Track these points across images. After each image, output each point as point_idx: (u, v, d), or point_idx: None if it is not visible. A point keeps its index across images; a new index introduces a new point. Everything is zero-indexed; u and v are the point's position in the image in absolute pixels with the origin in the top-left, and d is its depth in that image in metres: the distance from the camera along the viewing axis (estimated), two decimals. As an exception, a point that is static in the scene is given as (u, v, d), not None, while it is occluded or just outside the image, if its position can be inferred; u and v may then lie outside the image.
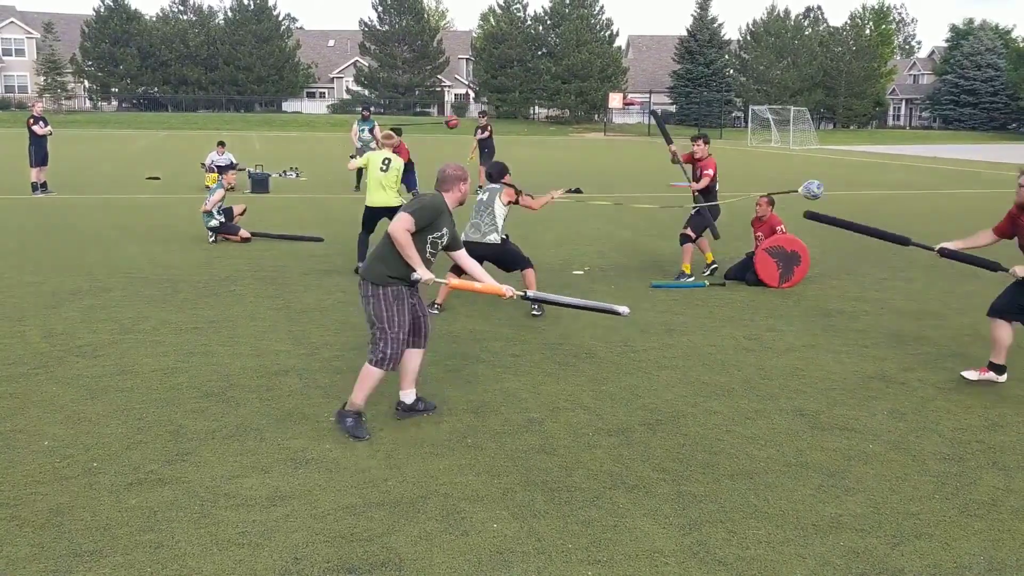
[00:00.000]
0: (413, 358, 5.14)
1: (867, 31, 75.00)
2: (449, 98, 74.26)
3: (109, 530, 3.76)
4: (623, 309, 5.11)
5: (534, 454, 4.68)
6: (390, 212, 9.19)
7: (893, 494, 4.27)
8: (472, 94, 74.54)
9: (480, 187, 8.47)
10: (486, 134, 19.55)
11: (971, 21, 79.27)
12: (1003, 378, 6.01)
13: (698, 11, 71.02)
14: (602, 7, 69.51)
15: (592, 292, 8.87)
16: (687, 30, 71.44)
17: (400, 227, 4.72)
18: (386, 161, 9.23)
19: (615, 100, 64.72)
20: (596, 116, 68.99)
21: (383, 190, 9.28)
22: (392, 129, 10.49)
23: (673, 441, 4.91)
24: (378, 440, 4.83)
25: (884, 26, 79.96)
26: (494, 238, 7.60)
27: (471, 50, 72.96)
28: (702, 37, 70.37)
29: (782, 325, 7.64)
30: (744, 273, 9.44)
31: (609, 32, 69.95)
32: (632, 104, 70.66)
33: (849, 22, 74.86)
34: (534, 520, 3.92)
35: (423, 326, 5.10)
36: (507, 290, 4.99)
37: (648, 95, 67.50)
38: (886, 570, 3.55)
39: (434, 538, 3.75)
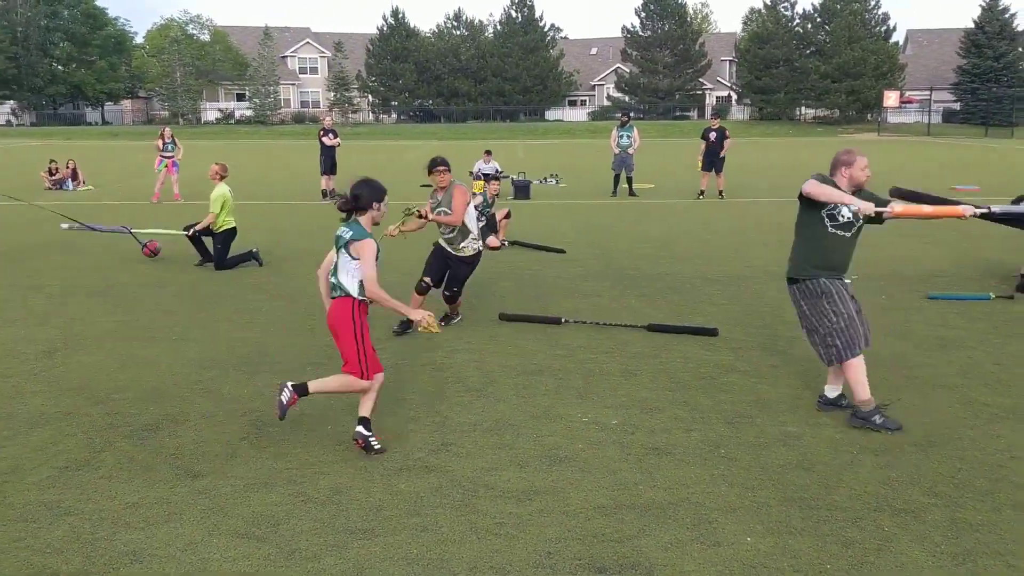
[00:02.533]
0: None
1: None
2: (710, 101, 73.03)
3: (380, 511, 4.07)
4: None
5: (791, 469, 4.52)
6: None
7: None
8: (734, 96, 72.83)
9: None
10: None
11: None
12: None
13: (987, 1, 64.98)
14: (877, 2, 65.48)
15: (861, 301, 8.36)
16: (974, 22, 65.50)
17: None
18: None
19: (891, 98, 60.67)
20: (869, 116, 65.05)
21: None
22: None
23: (948, 465, 4.55)
24: (629, 443, 4.87)
25: None
26: None
27: (734, 51, 71.31)
28: (991, 29, 64.27)
29: (1082, 344, 6.85)
30: (1038, 286, 8.54)
31: (885, 27, 65.77)
32: (910, 102, 66.03)
33: None
34: (790, 537, 3.80)
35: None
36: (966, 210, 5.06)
37: (929, 92, 62.70)
38: None
39: (685, 546, 3.73)
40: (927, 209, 5.00)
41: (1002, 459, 4.62)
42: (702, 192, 18.25)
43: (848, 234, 5.09)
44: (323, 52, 76.22)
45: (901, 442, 4.85)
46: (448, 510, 4.07)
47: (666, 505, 4.11)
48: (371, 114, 74.55)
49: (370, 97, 72.98)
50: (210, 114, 71.00)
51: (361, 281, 4.68)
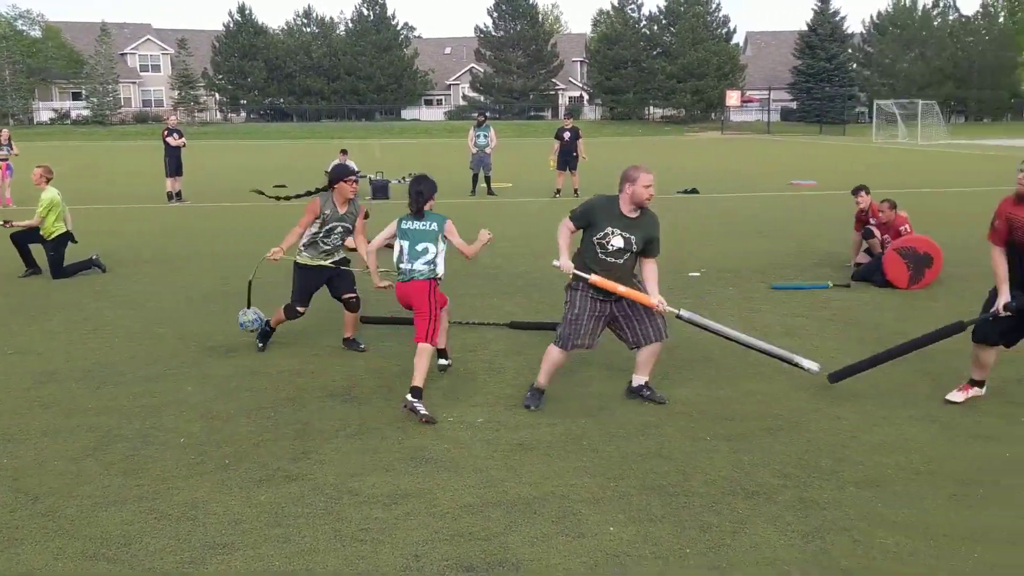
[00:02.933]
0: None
1: (1000, 19, 71.28)
2: (563, 101, 74.40)
3: (240, 524, 3.93)
4: (811, 365, 5.34)
5: (651, 458, 4.64)
6: None
7: (1034, 506, 4.05)
8: (586, 96, 74.48)
9: None
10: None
11: (1118, 3, 74.26)
12: (984, 391, 5.50)
13: (819, 5, 68.95)
14: (718, 4, 68.43)
15: (710, 294, 8.73)
16: (807, 24, 69.48)
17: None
18: None
19: (733, 98, 63.53)
20: (713, 115, 67.84)
21: None
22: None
23: (795, 447, 4.78)
24: (495, 441, 4.88)
25: (1020, 13, 75.79)
26: None
27: (585, 52, 72.91)
28: (823, 31, 68.28)
29: (911, 328, 7.33)
30: (872, 275, 9.11)
31: (726, 29, 68.80)
32: (751, 101, 69.22)
33: (981, 11, 71.32)
34: (651, 524, 3.90)
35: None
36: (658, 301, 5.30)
37: (767, 92, 65.94)
38: (1026, 586, 3.38)
39: (551, 539, 3.76)
40: (621, 289, 5.19)
41: (845, 440, 4.89)
42: (558, 191, 18.56)
43: (621, 260, 5.26)
44: (166, 49, 73.19)
45: (752, 427, 5.06)
46: (311, 519, 3.97)
47: (532, 500, 4.14)
48: (219, 113, 72.11)
49: (217, 96, 70.58)
50: (43, 114, 67.01)
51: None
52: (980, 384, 5.46)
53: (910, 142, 45.25)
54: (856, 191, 9.91)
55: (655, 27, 68.92)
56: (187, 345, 6.94)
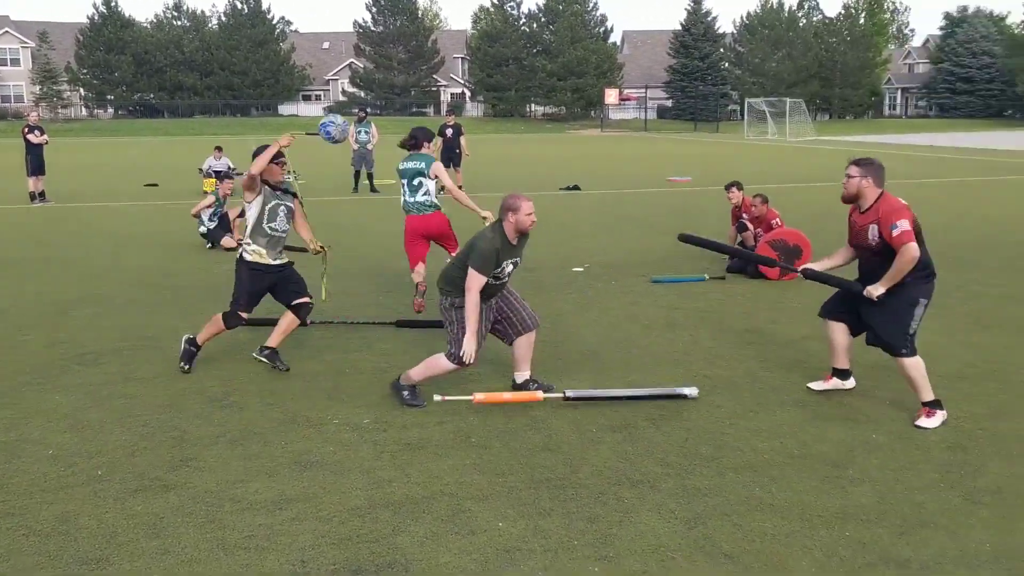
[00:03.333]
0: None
1: (861, 21, 75.01)
2: (445, 98, 74.28)
3: (115, 537, 3.76)
4: (689, 390, 5.47)
5: (538, 452, 4.68)
6: None
7: (898, 484, 4.27)
8: (468, 93, 74.55)
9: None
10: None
11: (965, 9, 79.24)
12: (850, 383, 5.61)
13: (691, 5, 70.97)
14: (595, 3, 69.50)
15: (592, 288, 8.87)
16: (681, 24, 71.40)
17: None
18: None
19: (611, 96, 64.73)
20: (593, 112, 68.99)
21: None
22: None
23: (677, 436, 4.91)
24: (382, 441, 4.83)
25: (878, 15, 79.95)
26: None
27: (466, 49, 72.96)
28: (696, 31, 70.32)
29: (783, 317, 7.65)
30: (745, 266, 9.44)
31: (603, 28, 70.01)
32: (629, 100, 70.67)
33: (843, 12, 74.89)
34: (540, 518, 3.93)
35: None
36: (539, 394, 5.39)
37: (644, 90, 67.47)
38: (892, 560, 3.56)
39: (440, 538, 3.75)
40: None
41: (723, 427, 5.05)
42: (443, 188, 18.48)
43: (505, 279, 5.39)
44: (25, 42, 69.32)
45: (636, 418, 5.17)
46: (191, 528, 3.84)
47: (421, 499, 4.11)
48: (84, 109, 68.86)
49: (82, 91, 67.36)
50: None
51: None
52: (844, 375, 5.64)
53: (779, 139, 47.13)
54: (728, 187, 10.25)
55: (535, 25, 69.54)
56: (55, 352, 6.60)
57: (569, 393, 5.37)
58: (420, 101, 71.71)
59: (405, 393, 5.41)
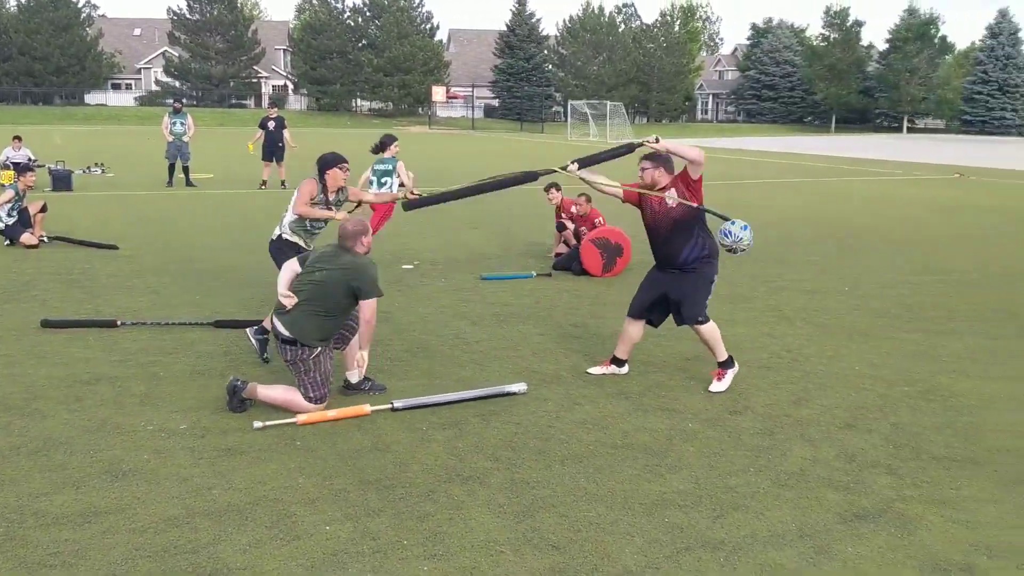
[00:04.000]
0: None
1: (676, 28, 78.57)
2: (267, 90, 72.09)
3: None
4: (518, 387, 5.51)
5: (367, 453, 4.61)
6: None
7: (712, 470, 4.48)
8: (291, 86, 72.68)
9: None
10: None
11: (770, 20, 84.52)
12: (624, 370, 6.04)
13: (516, 6, 72.07)
14: (421, 1, 69.29)
15: (422, 286, 8.85)
16: (506, 25, 72.38)
17: None
18: None
19: (439, 93, 64.83)
20: (420, 109, 68.86)
21: None
22: None
23: (506, 430, 4.96)
24: (200, 447, 4.62)
25: (692, 23, 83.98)
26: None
27: (288, 41, 71.06)
28: (521, 32, 71.51)
29: (606, 312, 7.89)
30: (571, 264, 9.68)
31: (430, 25, 69.88)
32: (456, 98, 71.03)
33: (660, 19, 78.17)
34: (368, 519, 3.86)
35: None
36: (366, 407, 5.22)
37: (471, 89, 67.99)
38: (708, 543, 3.73)
39: (264, 545, 3.62)
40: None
41: (550, 420, 5.15)
42: (264, 182, 17.97)
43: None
44: None
45: (466, 414, 5.18)
46: (-13, 549, 3.53)
47: (243, 506, 3.95)
48: None
49: None
50: None
51: None
52: (620, 364, 6.03)
53: (601, 140, 48.61)
54: (547, 189, 10.50)
55: (360, 19, 68.61)
56: None
57: (397, 404, 5.21)
58: (240, 92, 69.23)
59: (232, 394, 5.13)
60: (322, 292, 5.13)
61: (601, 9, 74.23)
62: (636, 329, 5.94)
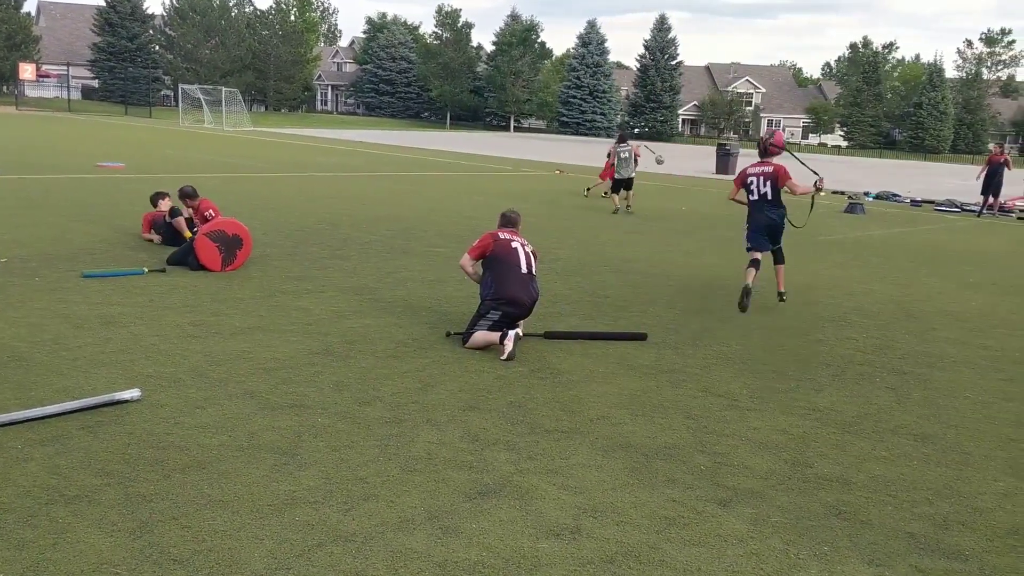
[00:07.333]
0: None
1: (292, 17, 77.61)
2: None
3: None
4: (130, 394, 5.07)
5: (-53, 480, 4.01)
6: None
7: (343, 463, 4.51)
8: None
9: None
10: None
11: (384, 15, 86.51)
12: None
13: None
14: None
15: (14, 286, 7.87)
16: (106, 1, 66.69)
17: None
18: None
19: (27, 71, 58.25)
20: (6, 88, 61.24)
21: None
22: None
23: (118, 441, 4.58)
24: None
25: (308, 13, 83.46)
26: None
27: None
28: (123, 9, 66.35)
29: (228, 309, 7.59)
30: (185, 258, 9.17)
31: (15, -5, 62.33)
32: (48, 76, 64.31)
33: (275, 6, 76.65)
34: (-48, 557, 3.37)
35: None
36: None
37: (66, 67, 61.82)
38: (340, 536, 3.75)
39: None
40: None
41: (168, 426, 4.83)
42: None
43: None
44: None
45: (70, 427, 4.71)
46: None
47: None
48: None
49: None
50: None
51: None
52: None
53: (216, 127, 46.68)
54: (155, 199, 10.17)
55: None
56: None
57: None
58: None
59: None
60: None
61: (212, -9, 71.03)
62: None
